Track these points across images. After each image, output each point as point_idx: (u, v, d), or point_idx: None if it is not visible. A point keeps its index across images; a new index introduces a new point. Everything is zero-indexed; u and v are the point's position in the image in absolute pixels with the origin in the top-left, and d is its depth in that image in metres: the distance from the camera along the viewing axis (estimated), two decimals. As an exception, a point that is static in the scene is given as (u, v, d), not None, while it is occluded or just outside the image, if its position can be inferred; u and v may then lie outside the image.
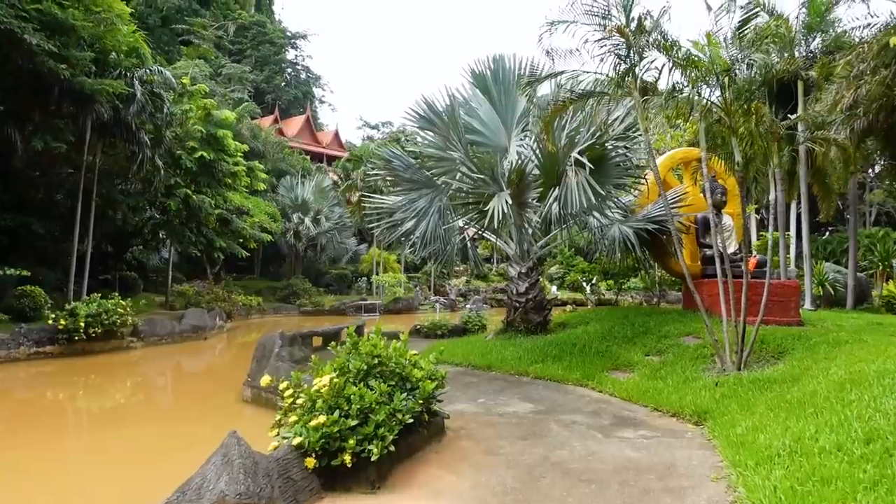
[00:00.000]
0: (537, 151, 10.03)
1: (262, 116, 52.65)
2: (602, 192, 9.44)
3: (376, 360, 5.27)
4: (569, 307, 21.52)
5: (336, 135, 64.44)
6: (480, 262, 14.22)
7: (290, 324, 27.23)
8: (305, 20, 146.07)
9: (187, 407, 11.16)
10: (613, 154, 10.34)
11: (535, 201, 10.24)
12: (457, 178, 10.59)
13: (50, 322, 14.75)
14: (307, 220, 35.41)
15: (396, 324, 21.68)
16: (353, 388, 4.83)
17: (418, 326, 16.72)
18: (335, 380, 4.81)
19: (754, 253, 15.14)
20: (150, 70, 19.63)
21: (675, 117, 10.32)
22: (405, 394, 5.25)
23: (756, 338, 8.61)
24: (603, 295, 19.32)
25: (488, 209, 9.06)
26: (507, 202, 9.01)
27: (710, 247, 12.34)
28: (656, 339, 10.32)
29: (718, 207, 12.77)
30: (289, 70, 71.67)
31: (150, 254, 22.76)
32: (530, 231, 11.95)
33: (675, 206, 12.11)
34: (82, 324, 14.76)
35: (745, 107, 8.57)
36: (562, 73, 8.80)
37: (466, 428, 6.55)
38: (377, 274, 36.32)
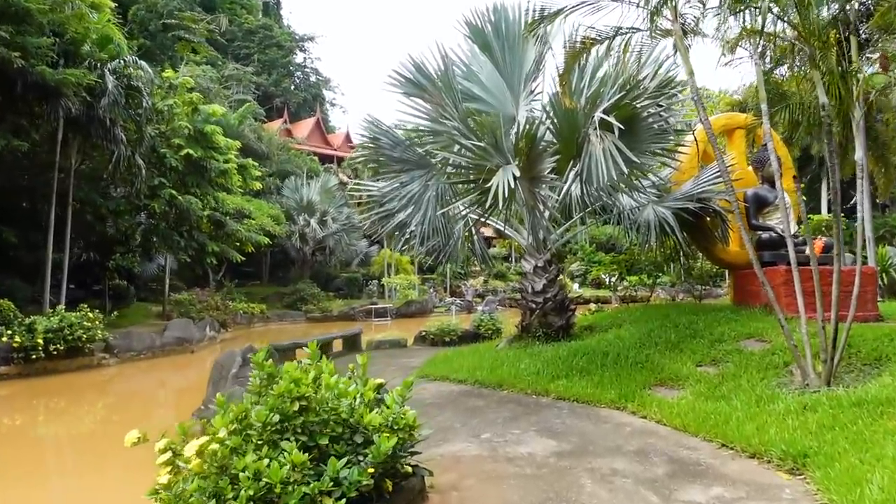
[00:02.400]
0: (551, 111, 7.99)
1: (267, 118, 51.46)
2: (636, 160, 7.40)
3: (299, 406, 3.29)
4: (592, 305, 19.52)
5: (347, 136, 62.81)
6: (488, 255, 12.24)
7: (295, 331, 25.62)
8: (315, 24, 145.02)
9: (110, 447, 8.91)
10: (645, 115, 8.25)
11: (550, 174, 8.12)
12: (455, 150, 8.53)
13: (4, 339, 13.00)
14: (313, 222, 33.64)
15: (408, 328, 19.75)
16: (249, 457, 2.89)
17: (423, 333, 14.77)
18: (213, 447, 2.86)
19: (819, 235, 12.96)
20: (125, 61, 17.92)
21: (729, 49, 8.26)
22: (351, 455, 3.31)
23: (846, 341, 6.56)
24: (636, 291, 17.18)
25: (490, 185, 7.06)
26: (513, 175, 7.00)
27: (765, 229, 10.30)
28: (708, 343, 8.25)
29: (772, 181, 10.68)
30: (297, 73, 70.83)
31: (134, 260, 21.07)
32: (546, 214, 9.91)
33: (718, 181, 10.06)
34: (40, 340, 13.01)
35: (823, 39, 6.54)
36: (580, 4, 6.78)
37: (460, 487, 4.57)
38: (388, 276, 34.50)
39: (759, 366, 7.18)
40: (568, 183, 10.49)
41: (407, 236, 10.62)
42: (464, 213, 9.69)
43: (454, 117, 8.45)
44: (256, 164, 26.15)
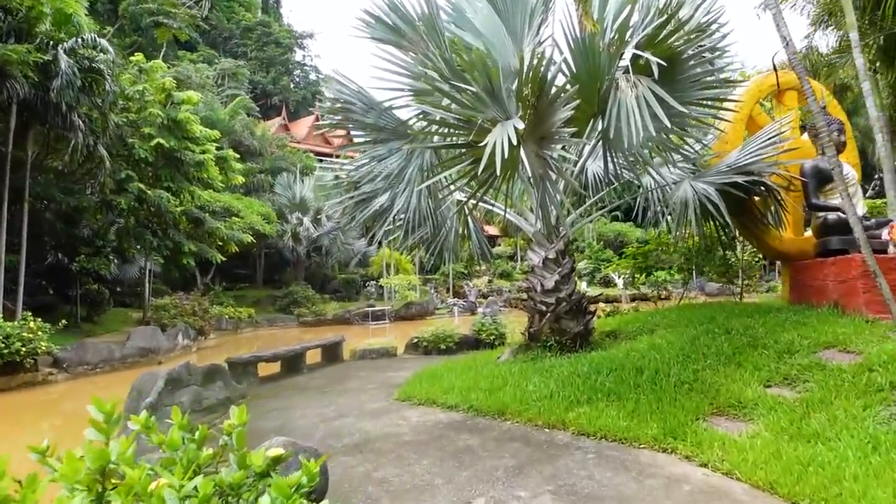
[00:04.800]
0: (566, 44, 6.02)
1: (265, 116, 50.19)
2: (683, 109, 5.46)
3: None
4: (604, 305, 17.62)
5: (348, 134, 61.02)
6: (487, 246, 10.25)
7: (286, 337, 23.78)
8: (316, 20, 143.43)
9: None
10: (685, 56, 6.28)
11: (565, 128, 6.00)
12: (443, 104, 6.46)
13: (-73, 356, 11.14)
14: (306, 221, 31.71)
15: (407, 332, 17.78)
16: None
17: (416, 340, 12.83)
18: None
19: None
20: (83, 39, 16.05)
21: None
22: None
23: None
24: (661, 290, 15.14)
25: (483, 143, 5.12)
26: (515, 130, 5.05)
27: (829, 209, 8.32)
28: (775, 356, 6.27)
29: (836, 151, 8.70)
30: (297, 71, 69.81)
31: (103, 263, 19.09)
32: (561, 185, 7.92)
33: (769, 152, 8.11)
34: (-34, 356, 11.14)
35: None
36: None
37: None
38: (388, 276, 32.56)
39: (855, 388, 5.21)
40: (584, 157, 8.59)
41: (389, 226, 8.72)
42: (452, 188, 7.70)
43: (439, 68, 6.44)
44: (238, 156, 24.20)
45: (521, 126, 5.17)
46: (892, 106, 13.34)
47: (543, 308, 8.20)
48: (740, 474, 4.24)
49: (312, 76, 71.69)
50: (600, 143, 7.29)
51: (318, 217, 32.50)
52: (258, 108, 47.32)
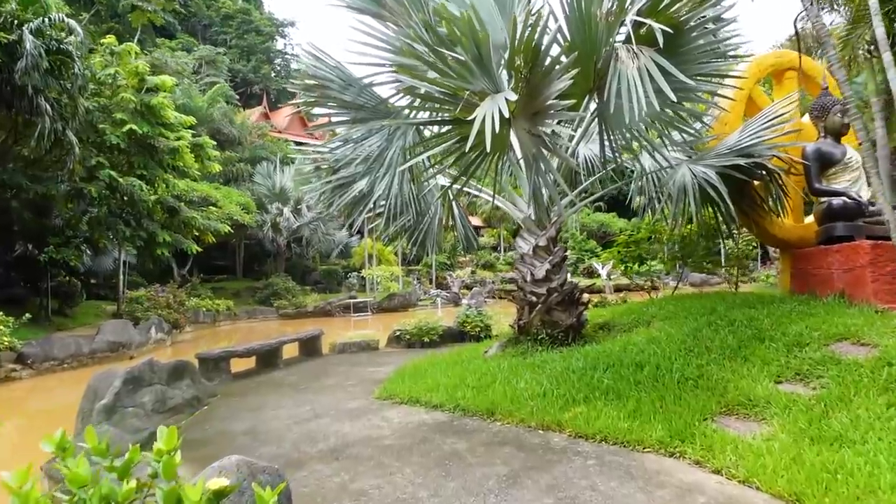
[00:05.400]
0: (562, 15, 5.50)
1: (246, 105, 49.49)
2: (690, 82, 5.00)
3: None
4: (589, 296, 17.12)
5: (329, 119, 60.43)
6: (473, 233, 9.81)
7: (265, 330, 23.24)
8: (298, 8, 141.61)
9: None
10: (688, 27, 5.78)
11: (560, 100, 5.45)
12: (428, 76, 5.86)
13: None
14: (286, 211, 31.02)
15: (389, 324, 17.24)
16: None
17: (398, 332, 12.32)
18: None
19: None
20: (51, 19, 15.26)
21: None
22: None
23: None
24: (655, 279, 14.64)
25: (471, 118, 4.61)
26: (506, 101, 4.54)
27: (833, 194, 7.91)
28: (784, 349, 5.83)
29: (837, 133, 8.29)
30: (278, 60, 69.11)
31: (73, 254, 18.26)
32: (555, 163, 7.41)
33: (770, 134, 7.69)
34: (-80, 353, 10.50)
35: None
36: None
37: None
38: (370, 267, 31.98)
39: (875, 384, 4.78)
40: (576, 139, 8.11)
41: (369, 213, 8.20)
42: (435, 170, 7.18)
43: (420, 31, 5.86)
44: (215, 143, 23.44)
45: (512, 98, 4.66)
46: (886, 90, 12.97)
47: (534, 299, 7.73)
48: (759, 483, 3.79)
49: (294, 65, 70.89)
50: (593, 125, 6.85)
51: (299, 207, 31.84)
52: (238, 97, 46.56)
